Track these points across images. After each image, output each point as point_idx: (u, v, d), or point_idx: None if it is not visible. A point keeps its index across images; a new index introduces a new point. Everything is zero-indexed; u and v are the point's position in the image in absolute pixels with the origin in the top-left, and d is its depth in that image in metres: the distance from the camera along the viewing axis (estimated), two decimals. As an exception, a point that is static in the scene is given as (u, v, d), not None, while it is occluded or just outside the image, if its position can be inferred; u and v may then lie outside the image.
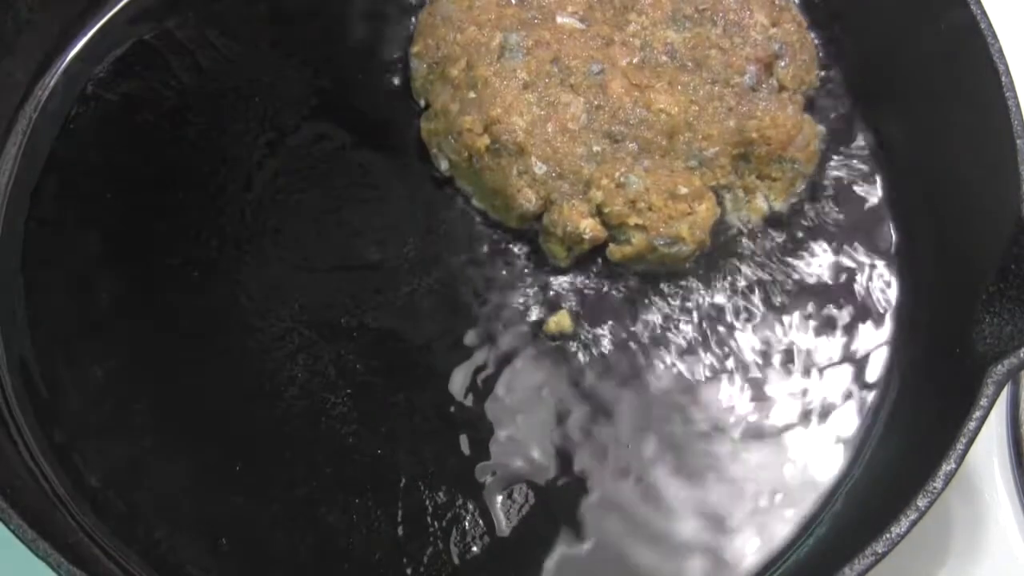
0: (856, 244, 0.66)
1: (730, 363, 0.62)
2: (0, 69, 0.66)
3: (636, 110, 0.64)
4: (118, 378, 0.61)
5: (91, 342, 0.62)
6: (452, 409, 0.61)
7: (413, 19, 0.70)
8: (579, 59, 0.65)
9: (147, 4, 0.70)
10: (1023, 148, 0.58)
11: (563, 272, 0.64)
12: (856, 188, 0.67)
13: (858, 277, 0.65)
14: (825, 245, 0.65)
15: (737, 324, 0.63)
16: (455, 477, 0.59)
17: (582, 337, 0.63)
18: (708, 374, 0.62)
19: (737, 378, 0.62)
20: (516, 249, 0.65)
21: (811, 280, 0.65)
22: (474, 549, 0.58)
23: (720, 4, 0.67)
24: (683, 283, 0.64)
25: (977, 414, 0.53)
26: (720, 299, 0.64)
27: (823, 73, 0.69)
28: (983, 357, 0.54)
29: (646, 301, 0.64)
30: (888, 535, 0.52)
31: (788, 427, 0.61)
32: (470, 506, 0.59)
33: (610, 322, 0.63)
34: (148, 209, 0.65)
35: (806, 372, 0.63)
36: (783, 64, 0.67)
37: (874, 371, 0.63)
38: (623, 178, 0.63)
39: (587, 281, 0.64)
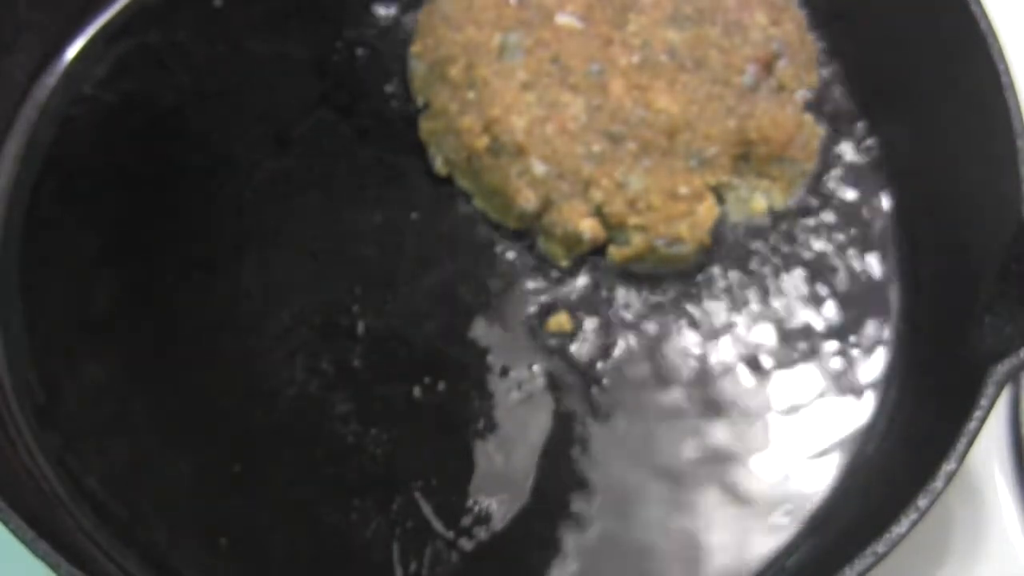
0: (856, 244, 0.66)
1: (729, 364, 0.62)
2: (0, 69, 0.66)
3: (636, 110, 0.64)
4: (117, 378, 0.61)
5: (90, 342, 0.62)
6: (452, 409, 0.61)
7: (413, 19, 0.70)
8: (579, 59, 0.65)
9: (147, 4, 0.70)
10: (1023, 148, 0.58)
11: (563, 272, 0.64)
12: (856, 188, 0.67)
13: (858, 277, 0.65)
14: (825, 245, 0.65)
15: (736, 324, 0.63)
16: (455, 477, 0.59)
17: (582, 337, 0.63)
18: (708, 373, 0.62)
19: (736, 379, 0.62)
20: (516, 249, 0.65)
21: (811, 280, 0.65)
22: (474, 549, 0.58)
23: (720, 4, 0.67)
24: (683, 283, 0.64)
25: (977, 414, 0.53)
26: (720, 299, 0.64)
27: (823, 73, 0.69)
28: (983, 357, 0.54)
29: (646, 301, 0.64)
30: (888, 535, 0.52)
31: (788, 428, 0.61)
32: (470, 506, 0.59)
33: (610, 322, 0.63)
34: (148, 209, 0.65)
35: (805, 372, 0.63)
36: (783, 64, 0.67)
37: (874, 371, 0.63)
38: (623, 178, 0.63)
39: (587, 281, 0.64)
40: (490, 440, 0.60)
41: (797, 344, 0.63)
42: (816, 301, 0.64)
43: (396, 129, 0.67)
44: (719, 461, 0.60)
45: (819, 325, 0.64)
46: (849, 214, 0.66)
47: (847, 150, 0.68)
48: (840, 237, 0.66)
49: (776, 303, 0.64)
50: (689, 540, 0.59)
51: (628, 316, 0.63)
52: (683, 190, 0.63)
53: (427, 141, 0.67)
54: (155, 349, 0.62)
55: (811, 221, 0.66)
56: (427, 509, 0.59)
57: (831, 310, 0.64)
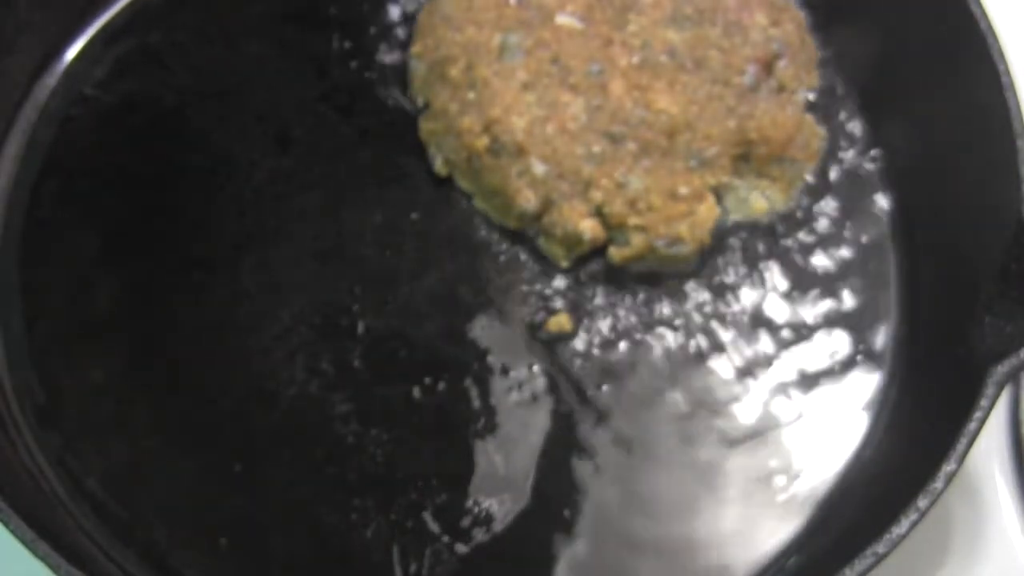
0: (856, 244, 0.66)
1: (730, 364, 0.62)
2: (0, 69, 0.66)
3: (636, 110, 0.64)
4: (117, 379, 0.61)
5: (90, 343, 0.62)
6: (452, 409, 0.61)
7: (413, 19, 0.70)
8: (579, 59, 0.65)
9: (147, 4, 0.70)
10: (1023, 148, 0.58)
11: (563, 272, 0.64)
12: (856, 188, 0.67)
13: (858, 277, 0.65)
14: (825, 245, 0.65)
15: (737, 324, 0.63)
16: (455, 477, 0.59)
17: (582, 337, 0.63)
18: (708, 375, 0.62)
19: (737, 379, 0.62)
20: (516, 249, 0.65)
21: (811, 280, 0.65)
22: (474, 549, 0.58)
23: (720, 4, 0.67)
24: (683, 283, 0.64)
25: (977, 414, 0.53)
26: (720, 299, 0.64)
27: (823, 73, 0.69)
28: (984, 357, 0.54)
29: (646, 301, 0.64)
30: (888, 535, 0.52)
31: (788, 428, 0.61)
32: (470, 506, 0.59)
33: (610, 322, 0.63)
34: (148, 209, 0.65)
35: (806, 372, 0.63)
36: (783, 64, 0.67)
37: (874, 371, 0.63)
38: (623, 178, 0.63)
39: (587, 281, 0.64)
40: (490, 440, 0.60)
41: (797, 344, 0.63)
42: (816, 301, 0.64)
43: (396, 129, 0.67)
44: (719, 461, 0.60)
45: (819, 325, 0.64)
46: (849, 214, 0.66)
47: (847, 150, 0.68)
48: (840, 237, 0.66)
49: (776, 303, 0.64)
50: (689, 541, 0.59)
51: (628, 316, 0.63)
52: (683, 190, 0.63)
53: (427, 141, 0.67)
54: (155, 349, 0.62)
55: (810, 221, 0.66)
56: (427, 509, 0.59)
57: (831, 310, 0.64)
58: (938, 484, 0.52)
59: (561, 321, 0.63)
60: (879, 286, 0.65)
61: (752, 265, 0.65)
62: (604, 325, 0.63)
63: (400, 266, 0.64)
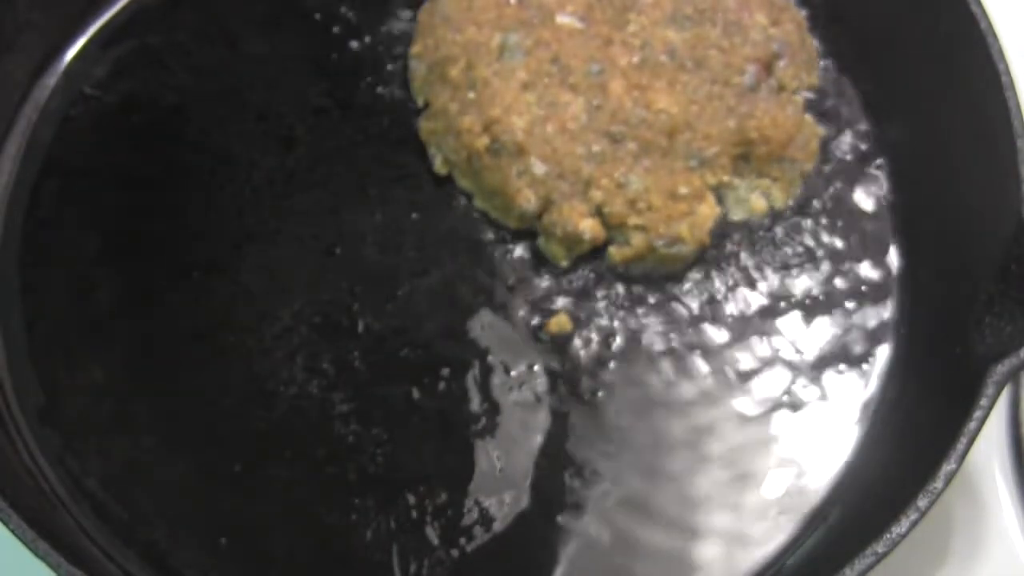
0: (856, 244, 0.66)
1: (729, 364, 0.62)
2: (0, 69, 0.66)
3: (636, 110, 0.64)
4: (118, 378, 0.61)
5: (91, 342, 0.62)
6: (452, 409, 0.61)
7: (413, 19, 0.70)
8: (579, 59, 0.65)
9: (147, 4, 0.70)
10: (1023, 148, 0.58)
11: (563, 272, 0.64)
12: (856, 187, 0.67)
13: (857, 277, 0.65)
14: (825, 245, 0.65)
15: (736, 325, 0.63)
16: (455, 477, 0.59)
17: (582, 337, 0.63)
18: (707, 375, 0.62)
19: (736, 379, 0.62)
20: (516, 249, 0.65)
21: (811, 280, 0.65)
22: (474, 549, 0.58)
23: (720, 4, 0.67)
24: (683, 284, 0.64)
25: (977, 414, 0.53)
26: (720, 299, 0.64)
27: (823, 73, 0.69)
28: (983, 357, 0.54)
29: (646, 302, 0.64)
30: (888, 535, 0.52)
31: (788, 428, 0.61)
32: (470, 506, 0.59)
33: (610, 323, 0.63)
34: (148, 209, 0.65)
35: (806, 372, 0.63)
36: (783, 64, 0.67)
37: (874, 371, 0.63)
38: (623, 178, 0.63)
39: (587, 282, 0.64)
40: (490, 440, 0.60)
41: (797, 343, 0.63)
42: (815, 301, 0.64)
43: (396, 129, 0.67)
44: (719, 461, 0.60)
45: (818, 325, 0.64)
46: (849, 214, 0.66)
47: (847, 150, 0.68)
48: (840, 237, 0.66)
49: (775, 303, 0.64)
50: (689, 540, 0.59)
51: (628, 316, 0.63)
52: (683, 190, 0.63)
53: (427, 141, 0.67)
54: (155, 349, 0.62)
55: (810, 221, 0.66)
56: (427, 510, 0.59)
57: (830, 310, 0.64)
58: (938, 484, 0.52)
59: (561, 321, 0.63)
60: (878, 286, 0.65)
61: (751, 265, 0.65)
62: (604, 325, 0.63)
63: (400, 266, 0.64)
